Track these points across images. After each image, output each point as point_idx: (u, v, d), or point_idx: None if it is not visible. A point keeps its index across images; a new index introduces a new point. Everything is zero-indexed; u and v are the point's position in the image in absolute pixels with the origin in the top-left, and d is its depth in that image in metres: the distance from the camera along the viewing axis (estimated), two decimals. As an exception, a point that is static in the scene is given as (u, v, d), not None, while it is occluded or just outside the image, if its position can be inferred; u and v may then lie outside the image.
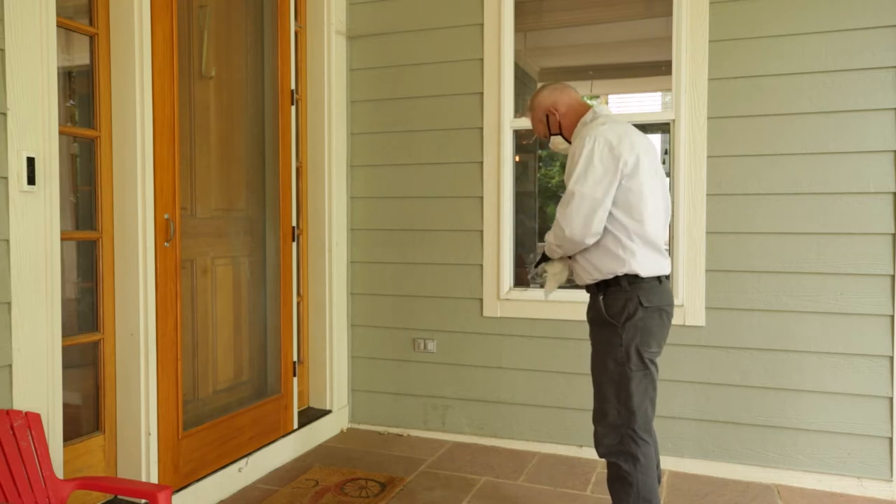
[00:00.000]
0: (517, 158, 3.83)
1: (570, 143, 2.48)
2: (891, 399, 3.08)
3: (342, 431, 3.99)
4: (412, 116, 3.86)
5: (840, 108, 3.12)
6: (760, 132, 3.24)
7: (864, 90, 3.08)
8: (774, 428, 3.26)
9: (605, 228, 2.29)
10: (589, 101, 2.61)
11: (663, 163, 3.58)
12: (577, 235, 2.27)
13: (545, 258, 2.55)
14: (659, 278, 2.34)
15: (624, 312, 2.28)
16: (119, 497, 2.61)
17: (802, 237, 3.19)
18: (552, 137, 2.55)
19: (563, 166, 4.69)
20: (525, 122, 3.72)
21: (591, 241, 2.28)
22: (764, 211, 3.24)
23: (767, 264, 3.24)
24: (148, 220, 2.64)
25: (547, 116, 2.50)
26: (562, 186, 4.57)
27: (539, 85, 2.53)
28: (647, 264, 2.30)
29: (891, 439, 3.08)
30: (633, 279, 2.29)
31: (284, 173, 3.52)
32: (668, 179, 2.57)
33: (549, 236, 2.42)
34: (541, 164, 4.04)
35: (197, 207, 3.06)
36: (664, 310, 2.35)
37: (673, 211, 3.39)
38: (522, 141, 3.88)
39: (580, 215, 2.25)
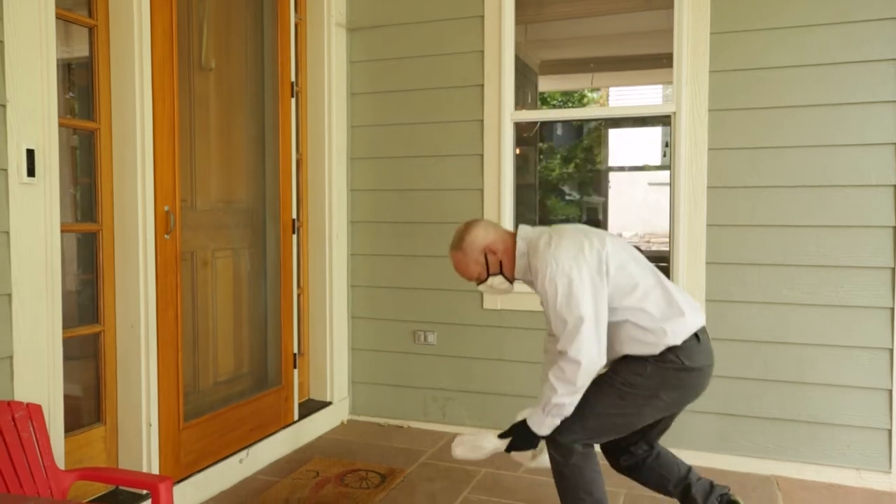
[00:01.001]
0: (518, 151, 3.82)
1: (510, 281, 2.41)
2: (890, 391, 3.08)
3: (343, 423, 4.00)
4: (412, 109, 3.85)
5: (841, 101, 3.11)
6: (761, 124, 3.23)
7: (864, 82, 3.07)
8: (774, 420, 3.26)
9: (626, 320, 2.22)
10: (503, 226, 2.49)
11: (664, 155, 3.59)
12: (595, 359, 2.16)
13: (525, 436, 2.28)
14: (697, 335, 2.25)
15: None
16: (120, 488, 2.63)
17: (802, 230, 3.19)
18: (491, 278, 2.39)
19: (564, 159, 4.68)
20: (526, 115, 3.72)
21: (605, 359, 2.19)
22: (764, 203, 3.24)
23: (767, 257, 3.24)
24: (148, 212, 2.64)
25: (486, 256, 2.36)
26: (562, 179, 4.56)
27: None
28: (679, 332, 2.21)
29: (890, 431, 3.09)
30: (672, 349, 2.21)
31: (284, 165, 3.51)
32: (635, 250, 2.40)
33: (554, 399, 2.18)
34: (541, 156, 4.04)
35: (197, 199, 3.06)
36: (700, 370, 2.25)
37: (673, 204, 3.40)
38: (523, 133, 3.88)
39: (593, 338, 2.15)
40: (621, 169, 4.27)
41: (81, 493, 2.49)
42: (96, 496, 2.57)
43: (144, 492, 2.56)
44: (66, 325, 2.40)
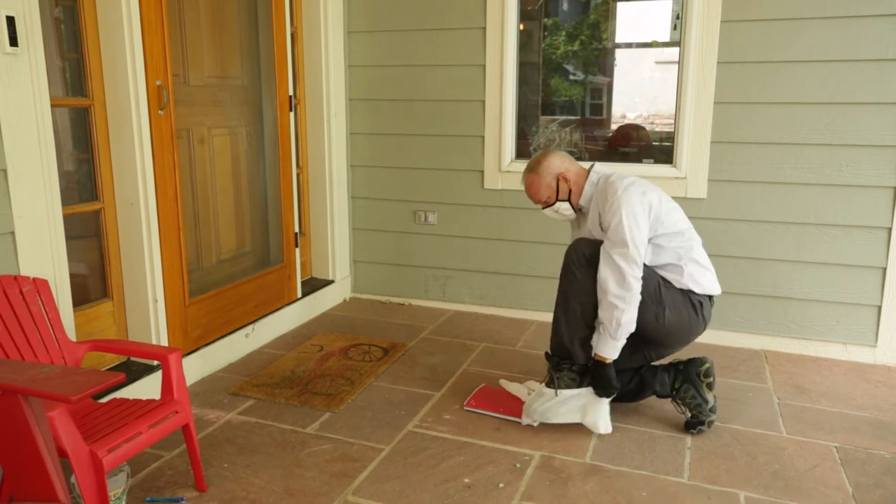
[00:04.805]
0: (521, 26, 3.67)
1: (574, 209, 2.56)
2: (884, 269, 3.13)
3: (345, 301, 4.09)
4: (411, -23, 3.65)
5: (865, -32, 2.94)
6: (778, -6, 3.07)
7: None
8: (766, 297, 3.33)
9: (673, 259, 2.44)
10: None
11: (675, 28, 3.43)
12: (639, 272, 2.34)
13: (604, 374, 2.43)
14: (711, 297, 2.53)
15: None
16: (132, 359, 2.72)
17: (813, 107, 3.11)
18: (558, 203, 2.55)
19: (569, 36, 4.49)
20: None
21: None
22: (776, 80, 3.14)
23: (774, 135, 3.18)
24: (140, 86, 2.56)
25: (558, 182, 2.52)
26: (566, 58, 4.40)
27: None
28: (706, 285, 2.49)
29: (879, 307, 3.16)
30: (697, 293, 2.48)
31: (279, 39, 3.37)
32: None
33: (623, 317, 2.33)
34: (546, 33, 3.87)
35: (189, 74, 2.96)
36: (701, 323, 2.50)
37: (681, 80, 3.29)
38: (527, 7, 3.70)
39: (640, 259, 2.34)
40: (628, 46, 4.10)
41: (93, 364, 2.58)
42: (108, 367, 2.67)
43: (155, 363, 2.66)
44: (66, 202, 2.39)
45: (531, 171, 2.56)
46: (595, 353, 2.44)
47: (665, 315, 2.42)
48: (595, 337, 2.45)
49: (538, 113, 4.00)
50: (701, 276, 2.47)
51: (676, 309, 2.43)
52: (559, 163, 2.53)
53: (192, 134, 2.99)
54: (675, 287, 2.44)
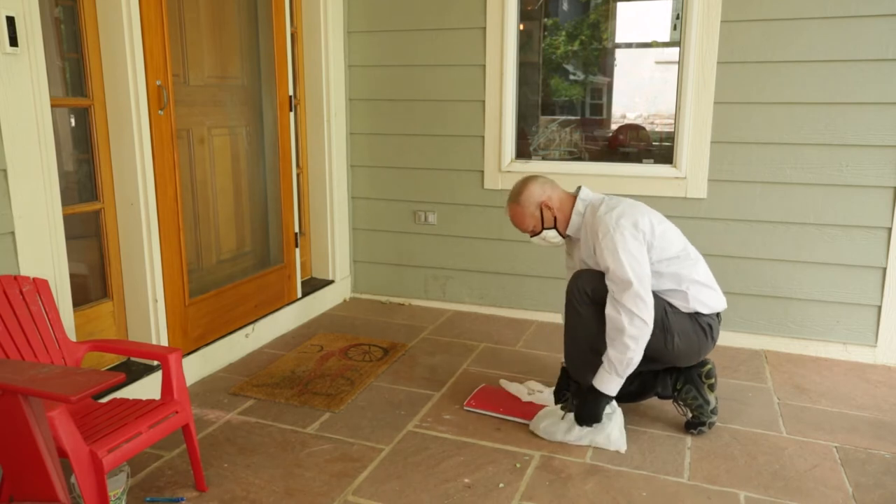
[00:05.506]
0: (521, 26, 3.67)
1: (562, 236, 2.50)
2: (884, 269, 3.13)
3: (345, 301, 4.09)
4: (411, -22, 3.65)
5: (865, -32, 2.94)
6: (778, -6, 3.07)
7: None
8: (767, 297, 3.33)
9: (676, 284, 2.39)
10: (560, 185, 2.53)
11: (675, 28, 3.43)
12: (651, 309, 2.28)
13: (595, 404, 2.36)
14: (719, 315, 2.49)
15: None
16: (132, 359, 2.72)
17: (813, 107, 3.11)
18: (545, 232, 2.49)
19: (569, 36, 4.50)
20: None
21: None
22: (776, 80, 3.14)
23: (774, 135, 3.18)
24: (140, 86, 2.56)
25: (541, 210, 2.45)
26: (566, 58, 4.41)
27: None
28: (713, 304, 2.44)
29: (879, 307, 3.16)
30: (704, 314, 2.43)
31: (279, 39, 3.37)
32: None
33: (634, 356, 2.28)
34: (546, 33, 3.87)
35: (189, 74, 2.96)
36: (710, 342, 2.46)
37: (681, 80, 3.29)
38: (527, 7, 3.70)
39: (650, 300, 2.28)
40: (628, 46, 4.10)
41: (94, 364, 2.58)
42: (108, 367, 2.67)
43: (155, 363, 2.66)
44: (66, 202, 2.39)
45: (512, 201, 2.49)
46: (595, 385, 2.35)
47: (674, 342, 2.38)
48: (600, 370, 2.36)
49: (538, 113, 4.00)
50: (706, 296, 2.42)
51: (685, 334, 2.39)
52: (540, 191, 2.45)
53: (192, 134, 2.99)
54: (682, 312, 2.40)
